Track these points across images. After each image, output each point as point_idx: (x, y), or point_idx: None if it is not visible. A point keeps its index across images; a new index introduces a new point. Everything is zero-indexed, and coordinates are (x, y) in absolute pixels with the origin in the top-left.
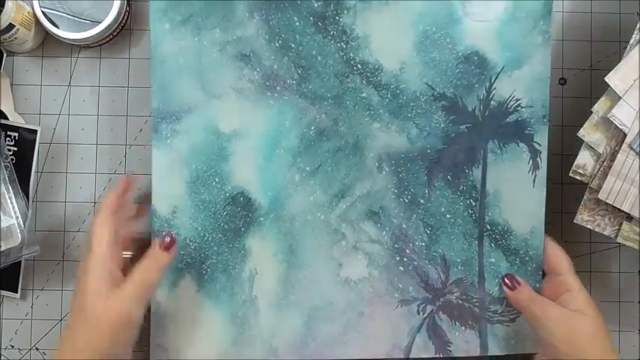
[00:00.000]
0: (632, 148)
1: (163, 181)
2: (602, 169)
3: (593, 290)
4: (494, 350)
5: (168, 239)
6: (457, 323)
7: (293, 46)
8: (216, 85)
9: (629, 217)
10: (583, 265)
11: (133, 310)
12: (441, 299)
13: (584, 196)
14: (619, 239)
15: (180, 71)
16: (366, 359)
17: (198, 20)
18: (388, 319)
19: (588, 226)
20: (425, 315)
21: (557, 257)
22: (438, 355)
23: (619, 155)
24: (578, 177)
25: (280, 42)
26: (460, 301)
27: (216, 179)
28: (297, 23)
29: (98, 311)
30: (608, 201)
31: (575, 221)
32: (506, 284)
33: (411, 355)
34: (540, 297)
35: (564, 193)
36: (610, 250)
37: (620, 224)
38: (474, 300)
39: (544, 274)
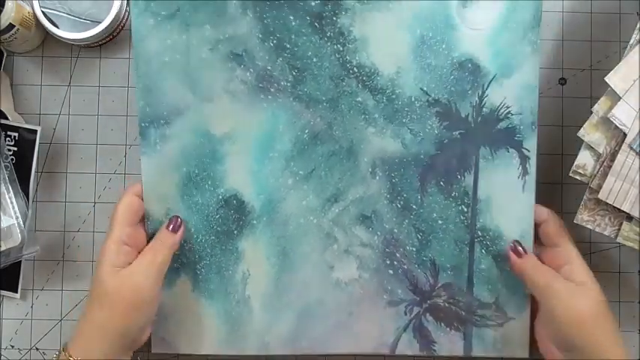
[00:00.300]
0: (632, 148)
1: (154, 185)
2: (602, 169)
3: None
4: (478, 352)
5: (174, 221)
6: (443, 325)
7: (288, 46)
8: (206, 86)
9: (629, 217)
10: None
11: (143, 288)
12: (428, 302)
13: (584, 196)
14: (619, 239)
15: (167, 71)
16: (353, 354)
17: (186, 15)
18: (376, 319)
19: (588, 226)
20: (411, 316)
21: (555, 227)
22: (422, 354)
23: (619, 155)
24: (578, 177)
25: (275, 42)
26: (447, 304)
27: (209, 182)
28: (293, 23)
29: (110, 289)
30: (608, 201)
31: (575, 221)
32: (512, 249)
33: (397, 352)
34: (546, 267)
35: (564, 193)
36: (610, 250)
37: (620, 224)
38: (461, 304)
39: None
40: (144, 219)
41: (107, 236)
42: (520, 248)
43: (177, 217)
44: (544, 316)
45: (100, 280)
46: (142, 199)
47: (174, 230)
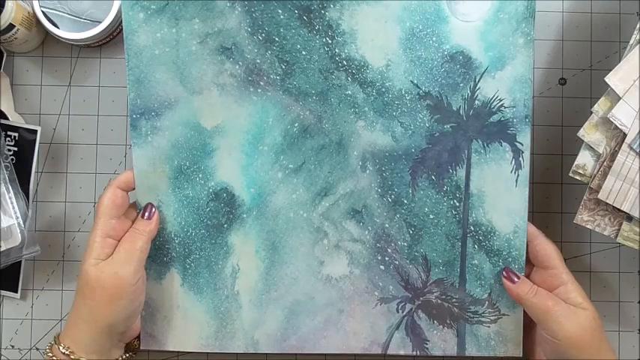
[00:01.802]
0: (632, 148)
1: (145, 177)
2: (602, 169)
3: (593, 290)
4: (471, 349)
5: (149, 209)
6: (435, 322)
7: (277, 39)
8: (196, 79)
9: (629, 217)
10: (583, 265)
11: (123, 276)
12: (421, 298)
13: (584, 196)
14: (619, 239)
15: (157, 64)
16: (344, 354)
17: (175, 10)
18: (367, 317)
19: (588, 226)
20: (404, 313)
21: (548, 250)
22: (415, 353)
23: (619, 155)
24: (578, 177)
25: (263, 35)
26: (439, 301)
27: (200, 175)
28: (282, 16)
29: (92, 280)
30: (608, 201)
31: (575, 221)
32: (505, 277)
33: (389, 352)
34: (542, 290)
35: (564, 193)
36: (610, 250)
37: (620, 224)
38: (454, 300)
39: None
40: (135, 207)
41: (92, 230)
42: (512, 275)
43: (151, 204)
44: (542, 337)
45: (83, 272)
46: (127, 192)
47: (149, 217)
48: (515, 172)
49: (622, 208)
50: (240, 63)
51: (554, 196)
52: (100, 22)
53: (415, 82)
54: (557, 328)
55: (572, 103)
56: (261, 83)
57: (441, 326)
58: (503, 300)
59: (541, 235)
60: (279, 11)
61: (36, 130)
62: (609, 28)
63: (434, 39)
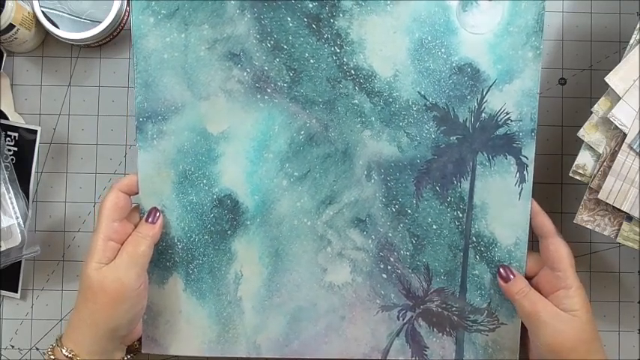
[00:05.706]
0: (632, 148)
1: (150, 180)
2: (602, 169)
3: (593, 290)
4: (469, 356)
5: (153, 213)
6: (435, 330)
7: (285, 47)
8: (204, 85)
9: (629, 217)
10: (583, 265)
11: (125, 281)
12: (421, 307)
13: (584, 196)
14: (619, 239)
15: (165, 68)
16: (345, 359)
17: (185, 15)
18: (369, 324)
19: (588, 226)
20: (404, 321)
21: (560, 252)
22: (414, 359)
23: (619, 155)
24: (578, 177)
25: (272, 42)
26: (440, 310)
27: (204, 181)
28: (291, 24)
29: (94, 284)
30: (608, 201)
31: (575, 221)
32: (500, 275)
33: (389, 358)
34: (533, 292)
35: (564, 193)
36: (610, 250)
37: (620, 224)
38: (454, 309)
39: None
40: (138, 210)
41: (94, 232)
42: (507, 273)
43: (156, 208)
44: (530, 340)
45: (85, 275)
46: (129, 195)
47: (153, 222)
48: (519, 186)
49: (622, 208)
50: (248, 70)
51: (554, 196)
52: (100, 22)
53: (422, 93)
54: (540, 332)
55: (572, 103)
56: (269, 90)
57: (440, 334)
58: (503, 310)
59: (557, 236)
60: (288, 19)
61: (36, 130)
62: (609, 28)
63: (442, 50)
